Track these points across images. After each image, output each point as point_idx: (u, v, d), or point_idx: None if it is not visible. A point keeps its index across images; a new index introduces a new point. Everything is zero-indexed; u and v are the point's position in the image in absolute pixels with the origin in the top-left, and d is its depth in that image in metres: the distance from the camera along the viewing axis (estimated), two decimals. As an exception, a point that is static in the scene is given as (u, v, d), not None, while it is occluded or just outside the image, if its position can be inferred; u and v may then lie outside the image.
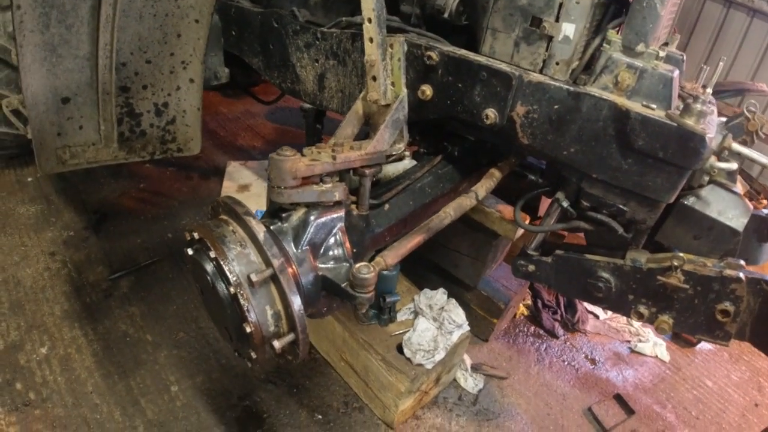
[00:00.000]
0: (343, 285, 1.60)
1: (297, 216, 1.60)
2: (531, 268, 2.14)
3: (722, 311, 1.81)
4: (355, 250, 1.71)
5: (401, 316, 2.60)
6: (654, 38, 1.70)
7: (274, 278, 1.45)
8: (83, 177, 3.78)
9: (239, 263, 1.44)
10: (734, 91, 3.94)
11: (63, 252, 3.19)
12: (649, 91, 1.67)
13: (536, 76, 1.79)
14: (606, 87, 1.72)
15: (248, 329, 1.43)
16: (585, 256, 2.01)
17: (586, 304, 3.45)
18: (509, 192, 2.52)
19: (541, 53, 1.86)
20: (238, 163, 4.19)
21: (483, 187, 2.09)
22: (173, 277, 3.14)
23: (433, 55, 1.91)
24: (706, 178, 1.85)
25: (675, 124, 1.57)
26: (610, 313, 3.52)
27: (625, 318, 3.50)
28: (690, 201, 1.85)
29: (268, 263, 1.44)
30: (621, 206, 1.82)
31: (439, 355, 2.42)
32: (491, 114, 1.85)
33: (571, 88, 1.72)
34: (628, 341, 3.36)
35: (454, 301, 2.63)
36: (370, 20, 1.71)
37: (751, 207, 1.87)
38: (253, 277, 1.40)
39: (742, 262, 1.80)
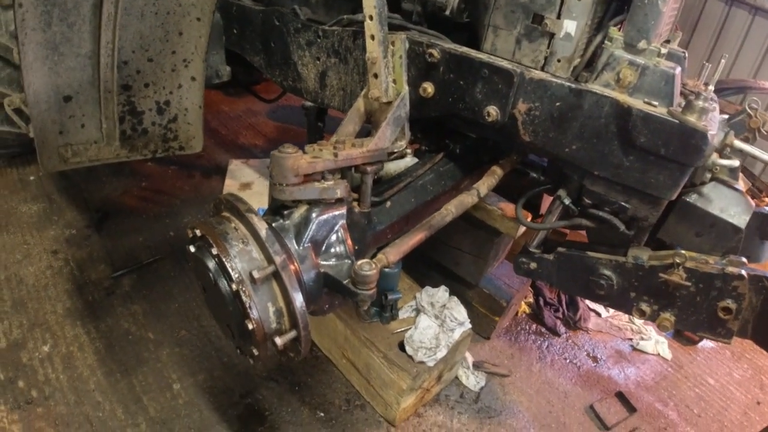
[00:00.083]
0: (344, 282, 1.61)
1: (299, 213, 1.61)
2: (533, 265, 2.14)
3: (724, 309, 1.80)
4: (356, 248, 1.71)
5: (403, 314, 2.60)
6: (656, 35, 1.70)
7: (276, 275, 1.46)
8: (85, 175, 3.78)
9: (241, 260, 1.45)
10: (736, 89, 3.94)
11: (65, 250, 3.20)
12: (650, 88, 1.67)
13: (538, 74, 1.79)
14: (608, 84, 1.72)
15: (250, 326, 1.43)
16: (587, 253, 2.01)
17: (587, 301, 3.45)
18: (511, 190, 2.51)
19: (543, 50, 1.86)
20: (239, 161, 4.19)
21: (485, 185, 2.09)
22: (175, 276, 3.15)
23: (435, 52, 1.91)
24: (708, 176, 1.85)
25: (677, 121, 1.57)
26: (611, 310, 3.52)
27: (626, 316, 3.49)
28: (692, 198, 1.85)
29: (270, 260, 1.45)
30: (623, 203, 1.82)
31: (441, 353, 2.42)
32: (493, 111, 1.85)
33: (573, 86, 1.72)
34: (630, 339, 3.36)
35: (455, 298, 2.63)
36: (371, 17, 1.71)
37: (753, 204, 1.87)
38: (255, 274, 1.40)
39: (744, 260, 1.80)
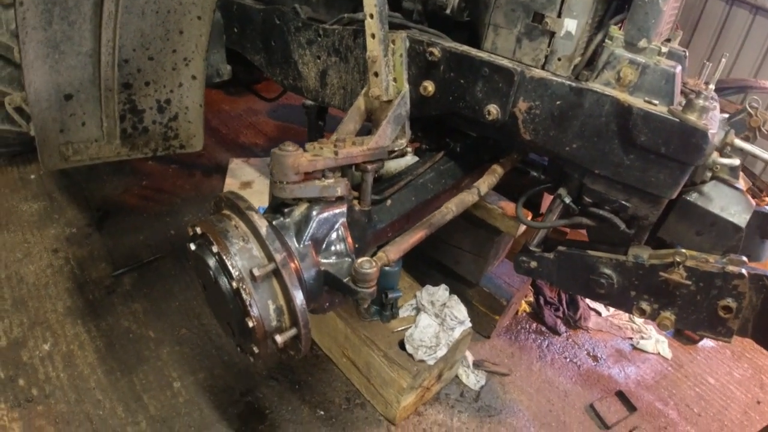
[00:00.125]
0: (345, 280, 1.61)
1: (299, 211, 1.61)
2: (533, 264, 2.14)
3: (724, 307, 1.81)
4: (357, 246, 1.71)
5: (403, 313, 2.61)
6: (656, 34, 1.70)
7: (276, 273, 1.46)
8: (86, 174, 3.79)
9: (242, 258, 1.45)
10: (737, 89, 3.94)
11: (66, 249, 3.20)
12: (651, 86, 1.67)
13: (538, 72, 1.79)
14: (608, 83, 1.72)
15: (251, 324, 1.43)
16: (587, 252, 2.01)
17: (588, 300, 3.45)
18: (511, 188, 2.51)
19: (543, 49, 1.86)
20: (240, 160, 4.20)
21: (485, 183, 2.09)
22: (176, 274, 3.15)
23: (435, 51, 1.91)
24: (709, 174, 1.85)
25: (677, 120, 1.57)
26: (612, 310, 3.52)
27: (627, 315, 3.49)
28: (692, 197, 1.84)
29: (270, 258, 1.45)
30: (623, 202, 1.82)
31: (441, 352, 2.42)
32: (493, 110, 1.85)
33: (574, 84, 1.72)
34: (631, 338, 3.36)
35: (456, 297, 2.63)
36: (371, 16, 1.71)
37: (754, 203, 1.86)
38: (256, 272, 1.40)
39: (745, 259, 1.80)
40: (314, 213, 1.60)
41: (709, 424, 2.90)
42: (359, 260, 1.59)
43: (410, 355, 2.41)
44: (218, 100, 5.18)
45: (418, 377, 2.37)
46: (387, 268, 2.37)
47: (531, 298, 3.41)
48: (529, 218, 2.51)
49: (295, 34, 2.40)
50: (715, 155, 1.78)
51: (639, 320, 3.47)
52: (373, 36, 1.74)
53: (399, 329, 2.52)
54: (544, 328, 3.29)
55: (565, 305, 3.36)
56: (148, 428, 2.34)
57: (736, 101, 4.47)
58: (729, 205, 1.83)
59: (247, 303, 1.43)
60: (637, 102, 1.63)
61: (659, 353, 3.28)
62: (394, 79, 1.86)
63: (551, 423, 2.71)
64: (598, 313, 3.49)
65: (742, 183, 1.90)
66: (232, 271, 1.43)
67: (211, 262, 1.49)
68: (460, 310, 2.56)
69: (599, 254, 1.98)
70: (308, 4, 2.50)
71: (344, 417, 2.54)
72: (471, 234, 2.85)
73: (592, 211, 1.91)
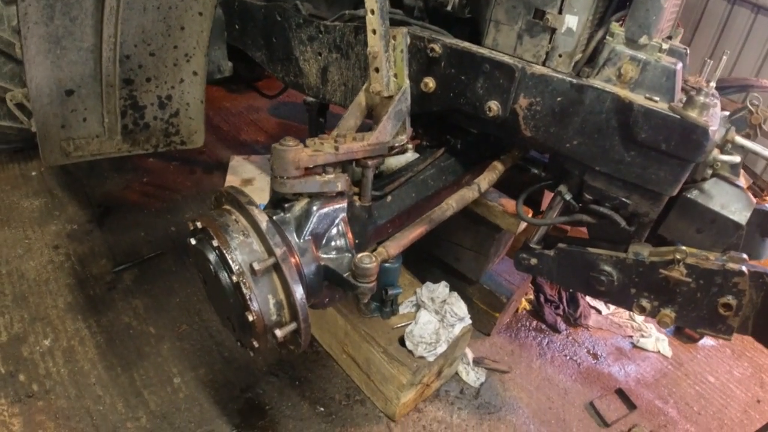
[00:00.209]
0: (345, 275, 1.61)
1: (300, 206, 1.61)
2: (533, 261, 2.14)
3: (724, 305, 1.81)
4: (357, 241, 1.71)
5: (403, 309, 2.61)
6: (657, 31, 1.69)
7: (276, 267, 1.46)
8: (87, 171, 3.79)
9: (242, 252, 1.45)
10: (738, 88, 3.93)
11: (67, 245, 3.20)
12: (652, 83, 1.67)
13: (539, 69, 1.79)
14: (609, 79, 1.71)
15: (250, 318, 1.44)
16: (587, 249, 2.01)
17: (588, 298, 3.45)
18: (512, 185, 2.51)
19: (544, 45, 1.86)
20: (241, 157, 4.20)
21: (485, 180, 2.10)
22: (176, 270, 3.15)
23: (436, 47, 1.91)
24: (709, 172, 1.85)
25: (678, 117, 1.57)
26: (612, 308, 3.53)
27: (627, 313, 3.50)
28: (693, 194, 1.84)
29: (270, 252, 1.45)
30: (624, 199, 1.82)
31: (441, 348, 2.42)
32: (494, 106, 1.85)
33: (574, 81, 1.72)
34: (631, 336, 3.36)
35: (456, 294, 2.63)
36: (373, 12, 1.71)
37: (754, 201, 1.86)
38: (256, 266, 1.40)
39: (745, 256, 1.80)
40: (315, 208, 1.60)
41: (709, 422, 2.90)
42: (359, 255, 1.60)
43: (410, 352, 2.41)
44: (219, 97, 5.19)
45: (418, 374, 2.38)
46: (387, 265, 2.38)
47: (531, 296, 3.41)
48: (530, 215, 2.51)
49: (296, 31, 2.40)
50: (715, 152, 1.78)
51: (639, 318, 3.47)
52: (374, 32, 1.74)
53: (399, 326, 2.52)
54: (544, 326, 3.29)
55: (565, 303, 3.36)
56: (149, 424, 2.34)
57: (738, 100, 4.46)
58: (729, 202, 1.83)
59: (247, 297, 1.43)
60: (638, 99, 1.63)
61: (659, 351, 3.28)
62: (395, 75, 1.86)
63: (551, 420, 2.72)
64: (599, 311, 3.49)
65: (742, 180, 1.89)
66: (233, 265, 1.44)
67: (212, 256, 1.49)
68: (460, 307, 2.56)
69: (599, 251, 1.98)
70: (309, 1, 2.50)
71: (344, 413, 2.54)
72: (471, 231, 2.85)
73: (592, 208, 1.91)
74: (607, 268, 1.96)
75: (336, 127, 1.81)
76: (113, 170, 3.89)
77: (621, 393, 2.90)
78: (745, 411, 3.01)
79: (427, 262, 3.10)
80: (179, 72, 2.55)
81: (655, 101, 1.63)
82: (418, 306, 2.60)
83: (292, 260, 1.52)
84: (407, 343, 2.43)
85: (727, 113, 1.99)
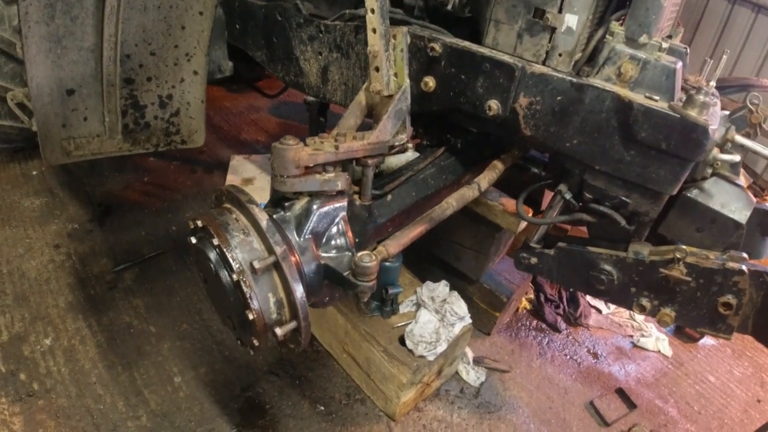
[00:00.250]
0: (345, 274, 1.61)
1: (300, 205, 1.61)
2: (533, 260, 2.14)
3: (724, 304, 1.81)
4: (357, 240, 1.72)
5: (403, 308, 2.61)
6: (657, 30, 1.69)
7: (276, 266, 1.46)
8: (88, 170, 3.80)
9: (242, 250, 1.45)
10: (738, 87, 3.93)
11: (67, 244, 3.21)
12: (652, 82, 1.67)
13: (539, 68, 1.79)
14: (609, 78, 1.72)
15: (251, 316, 1.44)
16: (587, 248, 2.01)
17: (588, 298, 3.45)
18: (512, 185, 2.52)
19: (544, 45, 1.86)
20: (241, 156, 4.20)
21: (485, 179, 2.10)
22: (177, 270, 3.16)
23: (436, 46, 1.91)
24: (709, 171, 1.85)
25: (678, 116, 1.57)
26: (612, 307, 3.53)
27: (627, 313, 3.49)
28: (693, 193, 1.84)
29: (270, 251, 1.45)
30: (624, 198, 1.82)
31: (441, 347, 2.42)
32: (494, 105, 1.85)
33: (574, 80, 1.72)
34: (631, 336, 3.36)
35: (456, 293, 2.63)
36: (373, 11, 1.71)
37: (755, 200, 1.86)
38: (256, 264, 1.41)
39: (745, 255, 1.80)
40: (315, 207, 1.61)
41: (709, 422, 2.90)
42: (359, 254, 1.60)
43: (410, 351, 2.41)
44: (220, 97, 5.20)
45: (418, 373, 2.38)
46: (387, 264, 2.38)
47: (531, 296, 3.41)
48: (530, 215, 2.51)
49: (296, 31, 2.40)
50: (715, 151, 1.78)
51: (639, 318, 3.47)
52: (374, 31, 1.74)
53: (399, 325, 2.52)
54: (544, 326, 3.30)
55: (565, 302, 3.36)
56: (149, 423, 2.34)
57: (738, 100, 4.46)
58: (729, 201, 1.83)
59: (248, 295, 1.43)
60: (638, 98, 1.63)
61: (659, 351, 3.28)
62: (395, 75, 1.86)
63: (551, 420, 2.72)
64: (599, 311, 3.49)
65: (742, 179, 1.89)
66: (233, 263, 1.44)
67: (212, 255, 1.50)
68: (460, 306, 2.57)
69: (599, 250, 1.98)
70: (310, 1, 2.51)
71: (344, 412, 2.54)
72: (472, 230, 2.86)
73: (592, 207, 1.91)
74: (607, 267, 1.96)
75: (336, 126, 1.81)
76: (114, 169, 3.90)
77: (621, 392, 2.90)
78: (746, 410, 3.01)
79: (427, 261, 3.10)
80: (180, 71, 2.56)
81: (655, 100, 1.63)
82: (419, 305, 2.60)
83: (293, 259, 1.53)
84: (407, 342, 2.43)
85: (727, 112, 1.99)
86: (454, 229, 2.88)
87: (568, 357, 3.12)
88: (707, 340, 3.43)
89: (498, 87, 1.84)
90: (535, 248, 2.13)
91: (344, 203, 1.67)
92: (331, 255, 1.65)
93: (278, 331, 1.47)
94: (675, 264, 1.80)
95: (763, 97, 2.06)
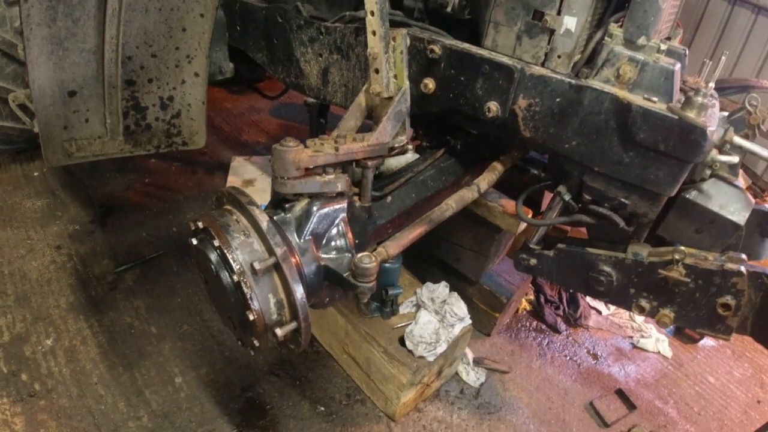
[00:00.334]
0: (345, 275, 1.62)
1: (300, 206, 1.62)
2: (533, 261, 2.15)
3: (723, 305, 1.81)
4: (357, 241, 1.72)
5: (403, 309, 2.62)
6: (655, 31, 1.70)
7: (277, 267, 1.47)
8: (89, 171, 3.81)
9: (243, 252, 1.46)
10: (738, 88, 3.94)
11: (69, 245, 3.22)
12: (650, 84, 1.68)
13: (538, 70, 1.80)
14: (608, 80, 1.72)
15: (251, 317, 1.45)
16: (587, 249, 2.02)
17: (588, 299, 3.46)
18: (512, 186, 2.52)
19: (543, 46, 1.87)
20: (242, 158, 4.21)
21: (485, 180, 2.11)
22: (178, 271, 3.16)
23: (436, 48, 1.92)
24: (708, 172, 1.86)
25: (676, 117, 1.58)
26: (612, 308, 3.53)
27: (627, 314, 3.50)
28: (692, 195, 1.85)
29: (271, 252, 1.46)
30: (623, 199, 1.83)
31: (441, 348, 2.43)
32: (493, 107, 1.86)
33: (573, 81, 1.72)
34: (631, 337, 3.36)
35: (456, 294, 2.64)
36: (372, 13, 1.72)
37: (753, 201, 1.87)
38: (256, 265, 1.42)
39: (744, 256, 1.80)
40: (315, 208, 1.61)
41: (709, 422, 2.90)
42: (359, 255, 1.61)
43: (410, 352, 2.42)
44: (221, 98, 5.21)
45: (417, 373, 2.38)
46: (387, 265, 2.39)
47: (531, 297, 3.42)
48: (530, 216, 2.52)
49: (297, 32, 2.41)
50: (714, 153, 1.79)
51: (639, 319, 3.48)
52: (374, 33, 1.75)
53: (399, 325, 2.53)
54: (544, 326, 3.30)
55: (565, 303, 3.37)
56: (150, 423, 2.35)
57: (738, 101, 4.46)
58: (728, 202, 1.84)
59: (248, 296, 1.44)
60: (636, 99, 1.64)
61: (659, 352, 3.28)
62: (395, 76, 1.87)
63: (551, 420, 2.72)
64: (599, 312, 3.50)
65: (741, 181, 1.90)
66: (234, 264, 1.45)
67: (213, 256, 1.51)
68: (460, 307, 2.57)
69: (599, 252, 1.99)
70: (310, 3, 2.52)
71: (344, 413, 2.55)
72: (472, 232, 2.86)
73: (591, 208, 1.92)
74: (607, 269, 1.97)
75: (336, 128, 1.82)
76: (115, 171, 3.91)
77: (621, 393, 2.91)
78: (745, 411, 3.01)
79: (427, 262, 3.11)
80: (181, 73, 2.57)
81: (654, 102, 1.64)
82: (418, 306, 2.61)
83: (293, 260, 1.54)
84: (407, 343, 2.44)
85: (725, 114, 1.99)
86: (453, 230, 2.89)
87: (567, 358, 3.12)
88: (707, 341, 3.43)
89: (497, 88, 1.85)
90: (534, 249, 2.14)
91: (344, 205, 1.68)
92: (331, 256, 1.66)
93: (279, 331, 1.48)
94: (674, 265, 1.81)
95: (762, 98, 2.06)
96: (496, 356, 3.01)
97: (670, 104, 1.62)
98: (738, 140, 1.79)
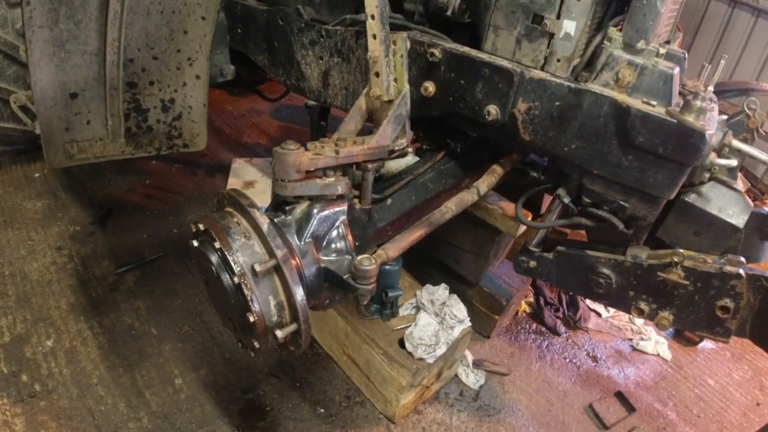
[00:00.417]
0: (345, 277, 1.63)
1: (300, 209, 1.63)
2: (532, 264, 2.15)
3: (722, 308, 1.82)
4: (357, 244, 1.73)
5: (403, 311, 2.62)
6: (654, 35, 1.71)
7: (277, 269, 1.48)
8: (90, 173, 3.82)
9: (243, 254, 1.47)
10: (738, 91, 3.95)
11: (69, 246, 3.23)
12: (649, 87, 1.69)
13: (538, 73, 1.81)
14: (607, 84, 1.73)
15: (252, 318, 1.45)
16: (586, 252, 2.03)
17: (588, 301, 3.46)
18: (511, 189, 2.53)
19: (543, 50, 1.88)
20: (243, 160, 4.22)
21: (485, 183, 2.11)
22: (178, 272, 3.17)
23: (436, 52, 1.93)
24: (707, 175, 1.87)
25: (675, 121, 1.59)
26: (612, 311, 3.54)
27: (627, 316, 3.51)
28: (691, 198, 1.86)
29: (271, 254, 1.47)
30: (622, 202, 1.83)
31: (441, 350, 2.43)
32: (493, 110, 1.87)
33: (572, 85, 1.73)
34: (630, 339, 3.37)
35: (455, 296, 2.64)
36: (373, 17, 1.73)
37: (752, 204, 1.88)
38: (257, 267, 1.42)
39: (743, 259, 1.81)
40: (315, 211, 1.62)
41: (708, 425, 2.90)
42: (359, 257, 1.61)
43: (410, 354, 2.42)
44: (222, 100, 5.22)
45: (417, 375, 2.39)
46: (387, 267, 2.40)
47: (531, 299, 3.43)
48: (529, 218, 2.53)
49: (298, 35, 2.42)
50: (713, 156, 1.80)
51: (639, 321, 3.48)
52: (374, 37, 1.76)
53: (399, 327, 2.54)
54: (543, 329, 3.31)
55: (565, 306, 3.37)
56: (150, 424, 2.36)
57: (738, 104, 4.47)
58: (727, 205, 1.84)
59: (249, 298, 1.45)
60: (635, 103, 1.65)
61: (659, 354, 3.28)
62: (395, 80, 1.88)
63: (550, 423, 2.73)
64: (598, 314, 3.50)
65: (740, 184, 1.91)
66: (234, 266, 1.46)
67: (214, 258, 1.51)
68: (459, 309, 2.58)
69: (598, 254, 1.99)
70: (311, 6, 2.53)
71: (344, 415, 2.55)
72: (471, 234, 2.87)
73: (591, 211, 1.93)
74: (606, 271, 1.98)
75: (337, 131, 1.83)
76: (116, 172, 3.92)
77: (620, 396, 2.91)
78: (745, 414, 3.01)
79: (427, 264, 3.12)
80: (182, 75, 2.58)
81: (653, 105, 1.64)
82: (418, 308, 2.61)
83: (293, 262, 1.54)
84: (407, 345, 2.44)
85: (724, 117, 2.00)
86: (453, 232, 2.90)
87: (567, 360, 3.13)
88: (706, 344, 3.44)
89: (497, 92, 1.86)
90: (534, 252, 2.15)
91: (344, 207, 1.68)
92: (331, 258, 1.66)
93: (279, 333, 1.49)
94: (673, 268, 1.81)
95: (761, 101, 2.07)
96: (496, 358, 3.02)
97: (669, 108, 1.62)
98: (737, 143, 1.80)
